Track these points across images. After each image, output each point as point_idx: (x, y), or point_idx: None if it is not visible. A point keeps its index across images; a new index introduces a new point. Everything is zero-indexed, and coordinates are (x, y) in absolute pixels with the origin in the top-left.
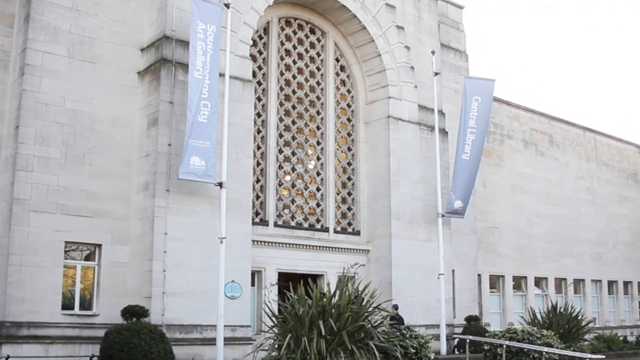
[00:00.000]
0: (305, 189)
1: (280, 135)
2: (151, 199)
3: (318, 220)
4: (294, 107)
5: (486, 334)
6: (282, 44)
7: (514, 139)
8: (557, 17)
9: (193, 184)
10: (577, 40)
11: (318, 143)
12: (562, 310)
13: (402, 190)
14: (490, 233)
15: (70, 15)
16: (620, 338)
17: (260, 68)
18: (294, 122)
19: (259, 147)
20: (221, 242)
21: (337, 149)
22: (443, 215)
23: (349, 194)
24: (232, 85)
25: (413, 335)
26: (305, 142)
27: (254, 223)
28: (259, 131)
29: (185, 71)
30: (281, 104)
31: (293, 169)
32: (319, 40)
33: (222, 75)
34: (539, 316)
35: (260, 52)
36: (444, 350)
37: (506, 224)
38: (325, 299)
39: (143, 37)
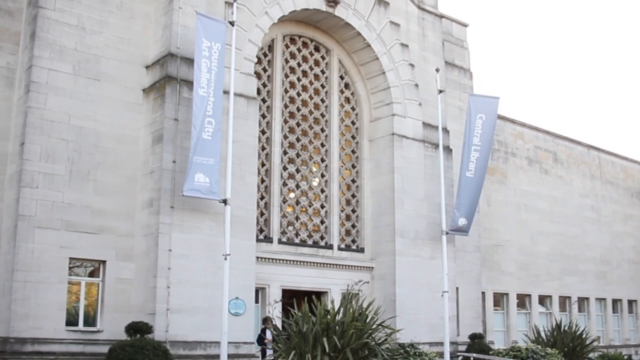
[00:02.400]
0: (310, 206)
1: (285, 152)
2: (156, 216)
3: (322, 237)
4: (298, 125)
5: (490, 352)
6: (287, 61)
7: (518, 157)
8: (562, 35)
9: (197, 200)
10: (581, 57)
11: (322, 160)
12: (566, 328)
13: (406, 207)
14: (495, 251)
15: (76, 33)
16: (625, 357)
17: (264, 85)
18: (298, 139)
19: (263, 164)
20: (225, 259)
21: (342, 166)
22: (447, 233)
23: (353, 211)
24: (237, 102)
25: (417, 353)
26: (310, 159)
27: (258, 240)
28: (263, 148)
29: (190, 88)
30: (285, 121)
31: (297, 186)
32: (323, 57)
33: (226, 92)
34: (543, 334)
35: (264, 70)
36: None
37: (510, 242)
38: (329, 316)
39: (148, 54)
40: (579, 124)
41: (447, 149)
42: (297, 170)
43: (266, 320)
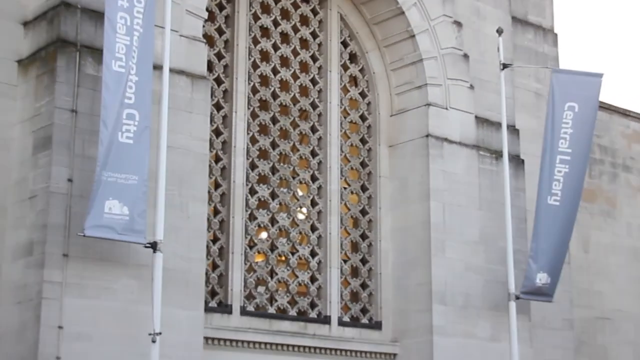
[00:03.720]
0: (293, 254)
1: (253, 166)
2: (38, 270)
3: (313, 305)
4: (274, 120)
5: None
6: (256, 17)
7: (635, 172)
8: None
9: (109, 245)
10: None
11: (313, 178)
12: None
13: (449, 255)
14: (598, 328)
15: None
16: None
17: (220, 57)
18: (274, 145)
19: (217, 185)
20: (154, 341)
21: (345, 189)
22: (518, 298)
23: (364, 261)
24: (176, 83)
25: None
26: (293, 177)
27: (208, 309)
28: (218, 158)
29: (97, 60)
30: (254, 115)
31: (273, 221)
32: (315, 11)
33: (158, 67)
34: None
35: (220, 31)
36: None
37: (623, 313)
38: None
39: (28, 3)
40: None
41: (517, 160)
42: (273, 195)
43: None
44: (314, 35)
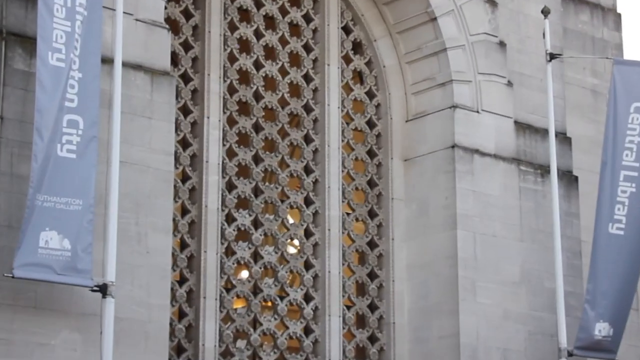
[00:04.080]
0: (281, 298)
1: (230, 186)
2: None
3: None
4: (257, 128)
5: None
6: None
7: None
8: None
9: (45, 288)
10: None
11: (308, 202)
12: None
13: (482, 299)
14: None
15: None
16: None
17: (188, 47)
18: (257, 159)
19: (185, 211)
20: None
21: (348, 214)
22: (571, 354)
23: (372, 307)
24: (131, 81)
25: None
26: (282, 201)
27: None
28: (185, 177)
29: (29, 52)
30: (232, 121)
31: (256, 256)
32: None
33: (108, 61)
34: None
35: (187, 14)
36: None
37: None
38: None
39: None
40: None
41: (568, 177)
42: (256, 224)
43: None
44: (308, 18)
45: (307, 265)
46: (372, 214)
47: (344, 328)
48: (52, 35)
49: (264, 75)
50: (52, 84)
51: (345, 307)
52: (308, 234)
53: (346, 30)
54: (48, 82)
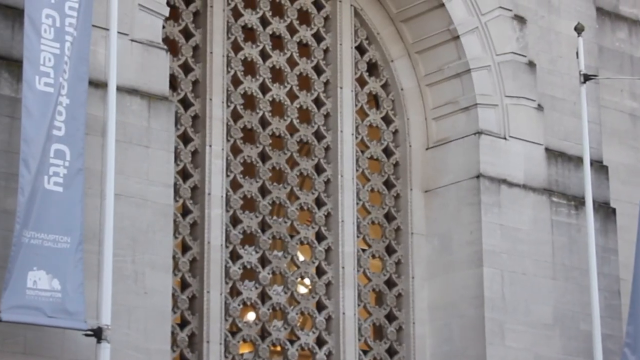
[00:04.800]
0: (292, 342)
1: (235, 221)
2: None
3: None
4: (264, 157)
5: None
6: (237, 13)
7: None
8: None
9: (34, 333)
10: None
11: (320, 238)
12: None
13: (511, 343)
14: None
15: None
16: None
17: (188, 69)
18: (263, 191)
19: (186, 247)
20: None
21: (364, 251)
22: None
23: (391, 352)
24: (126, 107)
25: None
26: (291, 236)
27: None
28: (186, 211)
29: (16, 76)
30: (236, 150)
31: (263, 297)
32: (319, 5)
33: (101, 85)
34: None
35: (187, 34)
36: None
37: None
38: None
39: None
40: None
41: (605, 209)
42: (263, 261)
43: None
44: (318, 37)
45: (320, 307)
46: (390, 250)
47: None
48: (39, 57)
49: (270, 99)
50: (39, 110)
51: (361, 352)
52: (320, 272)
53: (360, 50)
54: (35, 109)
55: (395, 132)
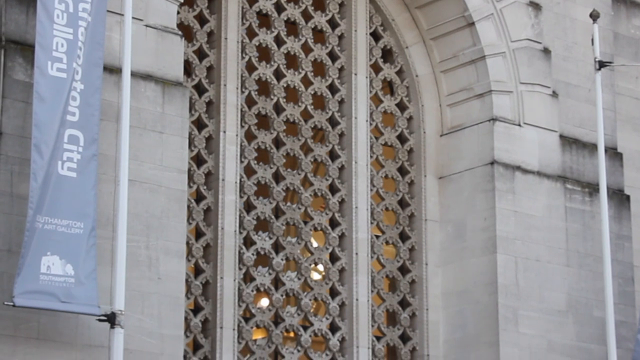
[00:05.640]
0: (305, 328)
1: (249, 207)
2: None
3: None
4: (278, 143)
5: None
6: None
7: None
8: None
9: (48, 318)
10: None
11: (334, 224)
12: None
13: (525, 329)
14: None
15: None
16: None
17: (202, 55)
18: (277, 177)
19: (200, 233)
20: None
21: (377, 237)
22: None
23: (405, 338)
24: (140, 93)
25: None
26: (305, 222)
27: None
28: (200, 196)
29: (30, 61)
30: (250, 136)
31: (277, 283)
32: None
33: (115, 71)
34: None
35: (202, 20)
36: None
37: None
38: None
39: None
40: None
41: (620, 196)
42: (277, 247)
43: None
44: (333, 24)
45: (333, 293)
46: (403, 237)
47: (374, 359)
48: (52, 43)
49: (285, 85)
50: (51, 96)
51: (374, 338)
52: (334, 258)
53: (375, 36)
54: (47, 94)
55: (409, 119)
